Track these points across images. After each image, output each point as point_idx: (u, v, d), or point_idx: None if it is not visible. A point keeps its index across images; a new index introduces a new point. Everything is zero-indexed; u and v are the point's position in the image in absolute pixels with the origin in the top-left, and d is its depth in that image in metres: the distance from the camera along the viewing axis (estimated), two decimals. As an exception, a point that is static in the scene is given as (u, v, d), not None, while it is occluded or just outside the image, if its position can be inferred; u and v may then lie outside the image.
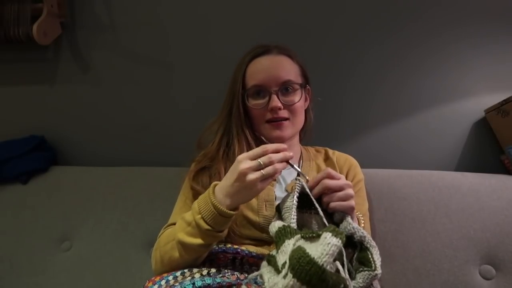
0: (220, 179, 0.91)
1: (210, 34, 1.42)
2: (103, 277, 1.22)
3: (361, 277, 0.72)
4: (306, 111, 1.06)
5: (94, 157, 1.51)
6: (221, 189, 0.78)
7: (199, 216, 0.78)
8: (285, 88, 0.97)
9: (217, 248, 0.87)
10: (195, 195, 0.96)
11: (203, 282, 0.73)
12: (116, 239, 1.27)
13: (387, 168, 1.25)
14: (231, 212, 0.77)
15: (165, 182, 1.30)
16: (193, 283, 0.73)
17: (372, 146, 1.34)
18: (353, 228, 0.75)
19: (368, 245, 0.74)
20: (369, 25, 1.33)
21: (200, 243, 0.79)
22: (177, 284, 0.75)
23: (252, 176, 0.74)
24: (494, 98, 1.22)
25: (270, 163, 0.75)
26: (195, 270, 0.80)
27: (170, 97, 1.47)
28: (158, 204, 1.27)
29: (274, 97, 0.95)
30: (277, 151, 0.77)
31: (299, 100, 0.98)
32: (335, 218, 0.79)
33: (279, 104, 0.95)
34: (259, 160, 0.75)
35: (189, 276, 0.78)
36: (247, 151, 0.93)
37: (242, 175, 0.74)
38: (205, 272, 0.79)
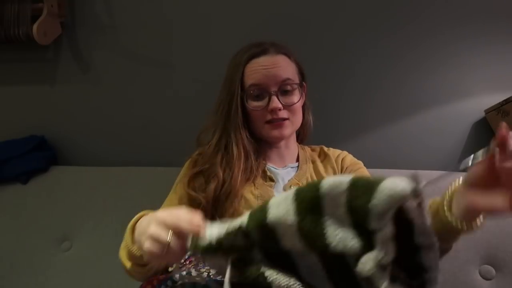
0: (218, 183, 0.92)
1: (210, 34, 1.42)
2: (103, 277, 1.22)
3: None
4: (303, 108, 1.06)
5: (94, 157, 1.51)
6: (138, 228, 0.73)
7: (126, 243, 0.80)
8: (284, 87, 0.97)
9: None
10: (190, 199, 0.96)
11: (204, 284, 0.73)
12: (116, 239, 1.26)
13: (387, 168, 1.25)
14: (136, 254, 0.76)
15: (165, 182, 1.29)
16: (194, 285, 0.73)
17: (372, 146, 1.34)
18: None
19: None
20: (368, 25, 1.33)
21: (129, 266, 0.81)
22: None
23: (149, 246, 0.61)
24: (494, 98, 1.22)
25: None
26: (194, 272, 0.80)
27: (170, 97, 1.47)
28: (158, 204, 1.26)
29: (274, 98, 0.95)
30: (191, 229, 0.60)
31: (298, 100, 0.98)
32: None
33: (279, 105, 0.95)
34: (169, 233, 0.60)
35: (188, 279, 0.78)
36: (245, 155, 0.95)
37: (149, 237, 0.61)
38: (205, 274, 0.79)
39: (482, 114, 1.27)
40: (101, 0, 1.47)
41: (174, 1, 1.43)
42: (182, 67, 1.45)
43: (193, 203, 0.95)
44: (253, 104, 0.97)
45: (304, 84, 1.05)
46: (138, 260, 0.78)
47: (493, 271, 1.07)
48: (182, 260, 0.90)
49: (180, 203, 0.97)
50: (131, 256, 0.78)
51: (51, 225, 1.32)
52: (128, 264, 0.81)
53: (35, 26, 1.38)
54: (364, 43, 1.34)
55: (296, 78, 1.00)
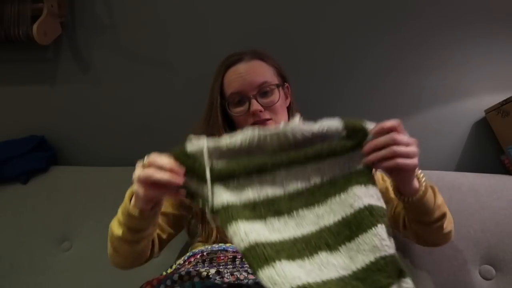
0: None
1: (210, 34, 1.42)
2: (103, 277, 1.22)
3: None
4: (288, 109, 1.08)
5: (94, 157, 1.52)
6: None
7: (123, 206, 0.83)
8: (263, 90, 1.00)
9: (217, 246, 0.88)
10: (178, 202, 1.00)
11: (203, 284, 0.74)
12: (116, 239, 1.27)
13: (387, 168, 1.24)
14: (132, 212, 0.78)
15: (165, 182, 1.30)
16: (193, 285, 0.74)
17: (372, 146, 1.34)
18: None
19: None
20: (367, 25, 1.33)
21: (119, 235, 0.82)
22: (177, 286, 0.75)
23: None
24: (494, 98, 1.21)
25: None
26: (193, 272, 0.80)
27: (170, 97, 1.47)
28: (158, 204, 1.27)
29: (254, 101, 0.98)
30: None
31: (278, 99, 1.01)
32: None
33: (259, 107, 0.98)
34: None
35: (187, 280, 0.78)
36: None
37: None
38: (204, 274, 0.79)
39: (482, 114, 1.27)
40: (101, 0, 1.47)
41: (174, 1, 1.43)
42: (182, 67, 1.45)
43: (183, 205, 1.00)
44: (235, 110, 1.01)
45: (287, 85, 1.08)
46: (132, 222, 0.79)
47: (493, 271, 1.07)
48: (182, 261, 0.90)
49: (171, 205, 1.02)
50: (126, 216, 0.80)
51: (51, 225, 1.32)
52: (119, 231, 0.82)
53: (35, 26, 1.38)
54: (364, 44, 1.33)
55: (274, 80, 1.03)
